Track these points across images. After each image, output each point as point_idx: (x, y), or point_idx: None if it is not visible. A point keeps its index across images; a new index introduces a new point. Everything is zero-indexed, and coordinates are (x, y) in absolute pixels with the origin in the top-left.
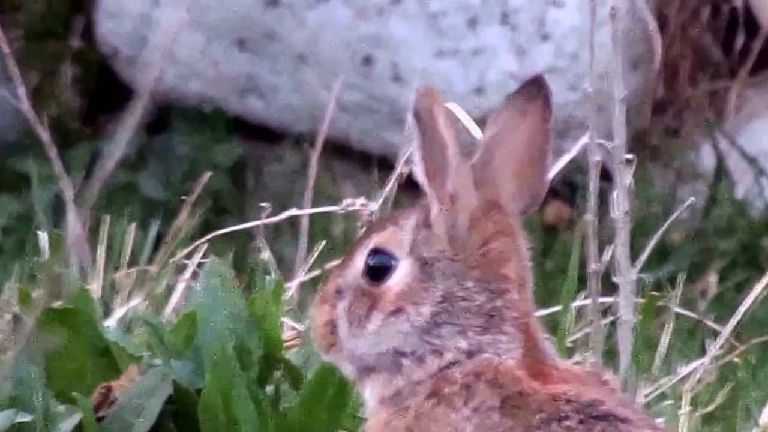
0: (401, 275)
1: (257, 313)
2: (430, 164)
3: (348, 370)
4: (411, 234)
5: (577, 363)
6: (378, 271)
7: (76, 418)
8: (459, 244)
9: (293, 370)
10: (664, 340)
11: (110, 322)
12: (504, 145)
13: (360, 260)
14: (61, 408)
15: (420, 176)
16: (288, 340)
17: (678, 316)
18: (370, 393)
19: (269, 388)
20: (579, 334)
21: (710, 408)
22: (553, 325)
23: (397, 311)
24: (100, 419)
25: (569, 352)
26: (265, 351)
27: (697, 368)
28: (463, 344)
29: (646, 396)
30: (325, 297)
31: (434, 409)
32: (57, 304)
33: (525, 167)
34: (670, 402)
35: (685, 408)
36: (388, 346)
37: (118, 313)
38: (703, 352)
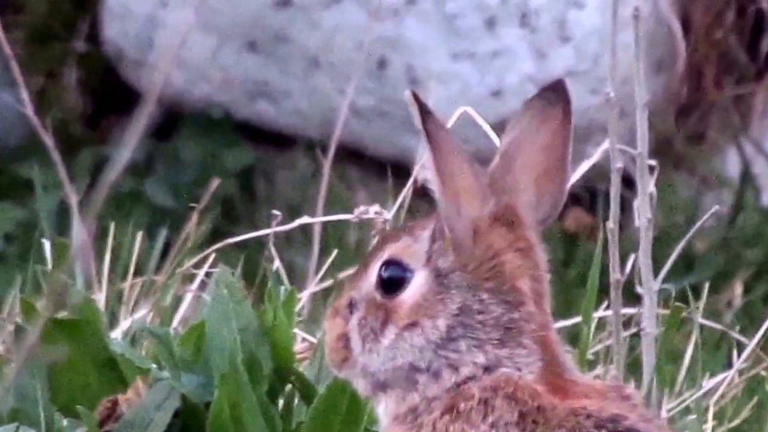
0: (416, 287)
1: (268, 324)
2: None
3: (361, 386)
4: (427, 244)
5: (598, 376)
6: (392, 283)
7: None
8: (465, 254)
9: (305, 383)
10: (688, 352)
11: (116, 334)
12: (523, 152)
13: (373, 272)
14: (65, 422)
15: (432, 184)
16: (300, 353)
17: (702, 327)
18: (384, 410)
19: (280, 402)
20: (600, 346)
21: (736, 423)
22: (573, 336)
23: (412, 325)
24: None
25: (590, 365)
26: (276, 364)
27: (723, 381)
28: (480, 358)
29: (670, 410)
30: (338, 310)
31: (451, 426)
32: (61, 314)
33: (544, 175)
34: (694, 416)
35: (710, 423)
36: (403, 361)
37: (125, 324)
38: (728, 364)
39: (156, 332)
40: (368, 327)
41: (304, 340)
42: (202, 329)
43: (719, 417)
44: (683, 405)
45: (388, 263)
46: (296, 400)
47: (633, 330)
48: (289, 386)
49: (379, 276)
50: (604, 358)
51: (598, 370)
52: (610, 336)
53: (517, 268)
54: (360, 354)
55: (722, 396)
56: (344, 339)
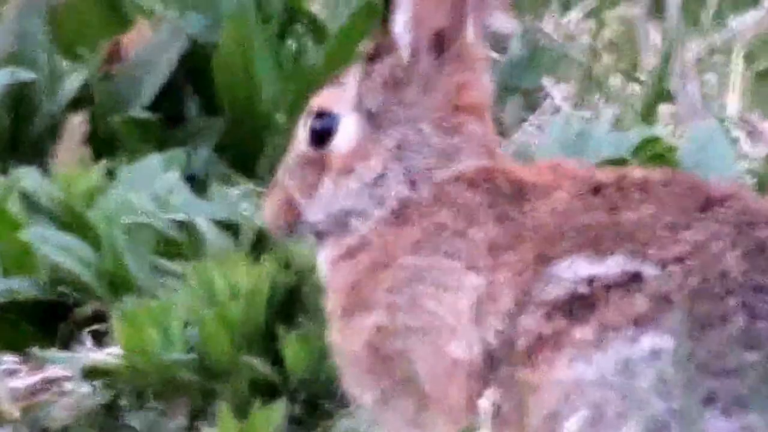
0: (347, 133)
1: None
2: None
3: (310, 240)
4: (354, 89)
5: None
6: (322, 133)
7: (82, 75)
8: (420, 66)
9: (317, 23)
10: None
11: None
12: None
13: (303, 129)
14: (67, 65)
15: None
16: None
17: None
18: (324, 258)
19: (290, 43)
20: None
21: (764, 65)
22: None
23: (347, 171)
24: (108, 77)
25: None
26: (286, 1)
27: (752, 21)
28: (407, 189)
29: (696, 52)
30: (275, 183)
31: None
32: None
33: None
34: (721, 58)
35: (737, 64)
36: (339, 207)
37: None
38: (755, 1)
39: None
40: (305, 182)
41: None
42: None
43: (747, 59)
44: (710, 46)
45: (315, 115)
46: (307, 41)
47: None
48: (300, 26)
49: (309, 129)
50: None
51: (622, 8)
52: None
53: (464, 83)
54: (304, 209)
55: (751, 37)
56: (288, 202)
